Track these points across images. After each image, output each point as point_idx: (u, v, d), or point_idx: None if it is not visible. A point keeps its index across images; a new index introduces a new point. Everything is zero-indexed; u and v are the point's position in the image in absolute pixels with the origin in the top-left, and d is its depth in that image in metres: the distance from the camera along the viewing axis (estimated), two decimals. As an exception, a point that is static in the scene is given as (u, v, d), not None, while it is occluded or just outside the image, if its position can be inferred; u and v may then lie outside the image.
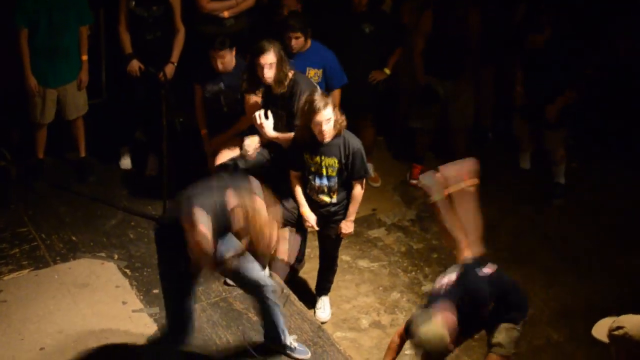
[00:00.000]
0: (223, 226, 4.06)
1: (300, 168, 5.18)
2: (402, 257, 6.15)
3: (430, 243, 6.29)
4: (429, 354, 4.03)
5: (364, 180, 5.22)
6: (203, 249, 3.92)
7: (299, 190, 5.20)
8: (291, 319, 5.11)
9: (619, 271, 6.00)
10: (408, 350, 5.17)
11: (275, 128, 5.33)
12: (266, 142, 5.40)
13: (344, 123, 5.03)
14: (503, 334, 4.33)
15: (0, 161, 6.39)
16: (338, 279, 5.67)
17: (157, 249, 4.35)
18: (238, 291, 5.11)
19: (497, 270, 4.29)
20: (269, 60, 5.26)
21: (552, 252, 6.20)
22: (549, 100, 6.49)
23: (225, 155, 5.41)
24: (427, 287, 5.80)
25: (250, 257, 4.51)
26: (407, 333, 4.28)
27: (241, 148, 5.11)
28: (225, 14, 6.41)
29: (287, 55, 5.42)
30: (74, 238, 5.87)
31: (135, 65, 6.35)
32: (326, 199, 5.15)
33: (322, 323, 5.36)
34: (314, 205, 5.20)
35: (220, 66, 5.78)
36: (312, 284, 5.60)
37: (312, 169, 5.10)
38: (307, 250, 5.82)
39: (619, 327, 3.34)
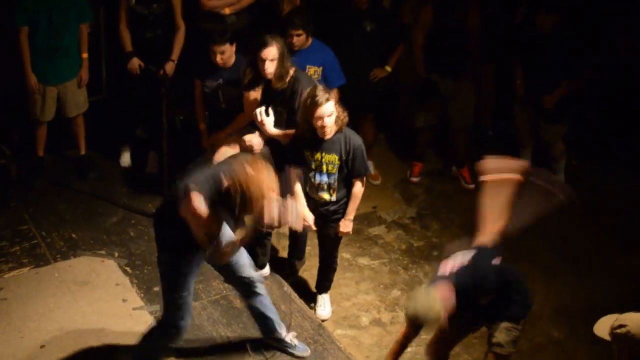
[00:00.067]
0: (221, 205, 4.01)
1: (301, 165, 5.17)
2: (402, 254, 6.15)
3: (430, 241, 6.29)
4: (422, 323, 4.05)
5: (364, 178, 5.21)
6: (206, 227, 3.93)
7: (298, 189, 5.19)
8: (292, 316, 5.12)
9: (619, 271, 6.00)
10: (408, 348, 5.18)
11: (275, 125, 5.33)
12: (266, 140, 5.40)
13: (346, 119, 5.03)
14: (503, 334, 4.33)
15: (0, 159, 6.39)
16: (338, 277, 5.67)
17: (155, 232, 4.34)
18: (239, 289, 5.12)
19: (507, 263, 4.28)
20: (270, 54, 5.25)
21: (552, 252, 6.20)
22: (548, 94, 6.50)
23: (225, 153, 5.40)
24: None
25: (244, 253, 4.53)
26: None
27: (240, 145, 5.11)
28: (227, 10, 6.40)
29: (288, 52, 5.42)
30: (74, 236, 5.87)
31: (135, 63, 6.35)
32: (326, 196, 5.14)
33: (323, 321, 5.36)
34: (314, 204, 5.19)
35: (220, 61, 5.77)
36: (313, 281, 5.60)
37: (313, 166, 5.09)
38: (308, 248, 5.82)
39: (621, 326, 3.34)
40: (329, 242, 5.35)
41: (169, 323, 4.42)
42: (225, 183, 3.93)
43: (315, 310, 5.47)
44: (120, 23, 6.32)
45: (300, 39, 5.81)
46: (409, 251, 6.19)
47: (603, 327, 3.46)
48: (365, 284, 5.82)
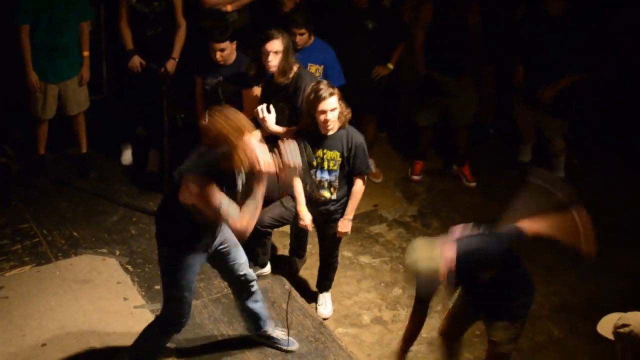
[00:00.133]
0: (218, 176, 4.00)
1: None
2: (403, 253, 6.12)
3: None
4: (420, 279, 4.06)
5: (365, 177, 5.21)
6: (211, 203, 3.92)
7: (298, 187, 5.19)
8: (293, 315, 5.12)
9: (619, 270, 6.00)
10: (410, 347, 5.19)
11: (277, 122, 5.33)
12: (267, 137, 5.40)
13: (349, 115, 5.02)
14: (501, 333, 4.33)
15: (1, 157, 6.39)
16: (339, 275, 5.67)
17: (156, 228, 4.34)
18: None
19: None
20: (275, 47, 5.25)
21: (552, 251, 6.19)
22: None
23: None
24: (428, 284, 5.81)
25: (242, 252, 4.53)
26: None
27: None
28: (228, 7, 6.39)
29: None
30: (75, 234, 5.87)
31: (136, 61, 6.35)
32: (326, 194, 5.13)
33: (324, 319, 5.36)
34: (313, 204, 5.18)
35: (220, 58, 5.77)
36: (314, 280, 5.60)
37: (314, 163, 5.08)
38: (309, 247, 5.82)
39: (624, 325, 3.34)
40: (329, 242, 5.34)
41: (168, 320, 4.43)
42: (206, 143, 3.92)
43: (316, 308, 5.47)
44: (121, 21, 6.32)
45: (303, 38, 5.82)
46: (410, 249, 6.19)
47: (606, 326, 3.46)
48: (367, 282, 5.82)
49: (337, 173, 5.08)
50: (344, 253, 5.97)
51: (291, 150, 4.10)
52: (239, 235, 4.14)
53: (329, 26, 6.27)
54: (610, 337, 3.41)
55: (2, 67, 6.38)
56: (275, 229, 5.47)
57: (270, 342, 4.89)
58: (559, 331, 5.46)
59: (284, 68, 5.31)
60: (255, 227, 5.23)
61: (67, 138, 6.74)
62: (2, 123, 6.58)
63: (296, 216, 5.17)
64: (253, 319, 4.80)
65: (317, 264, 5.53)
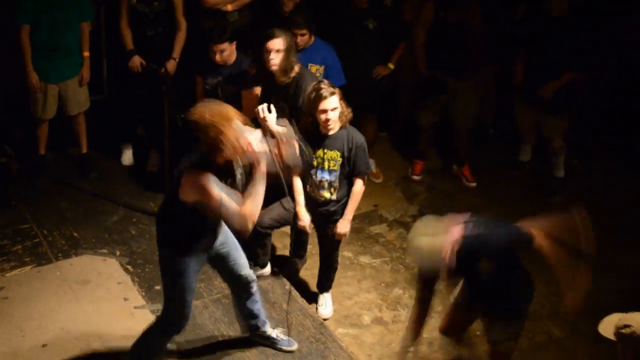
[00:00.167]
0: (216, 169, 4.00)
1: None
2: (403, 253, 6.14)
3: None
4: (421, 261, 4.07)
5: (365, 178, 5.21)
6: (211, 196, 3.90)
7: (297, 188, 5.18)
8: (293, 315, 5.12)
9: (619, 270, 5.99)
10: (411, 347, 5.19)
11: (277, 122, 5.32)
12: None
13: (350, 115, 5.03)
14: (500, 331, 4.34)
15: (1, 157, 6.39)
16: (340, 275, 5.67)
17: (157, 228, 4.34)
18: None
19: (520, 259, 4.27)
20: (276, 45, 5.25)
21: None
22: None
23: None
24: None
25: (242, 254, 4.53)
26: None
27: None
28: (229, 7, 6.38)
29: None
30: (75, 234, 5.87)
31: (136, 61, 6.34)
32: (326, 194, 5.13)
33: (324, 320, 5.36)
34: (313, 205, 5.18)
35: (219, 59, 5.78)
36: (314, 280, 5.60)
37: (314, 163, 5.08)
38: (309, 247, 5.82)
39: (626, 326, 3.34)
40: (329, 242, 5.33)
41: (169, 321, 4.43)
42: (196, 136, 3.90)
43: (316, 309, 5.47)
44: (121, 21, 6.32)
45: (304, 39, 5.82)
46: (411, 249, 6.19)
47: (607, 326, 3.46)
48: (367, 283, 5.82)
49: (338, 173, 5.08)
50: (345, 253, 5.97)
51: (288, 130, 4.12)
52: (244, 223, 4.02)
53: (329, 26, 6.27)
54: (612, 337, 3.42)
55: (2, 67, 6.37)
56: (274, 230, 5.46)
57: (270, 343, 4.89)
58: (559, 331, 5.46)
59: (285, 67, 5.31)
60: (255, 228, 5.26)
61: (67, 138, 6.74)
62: (2, 123, 6.58)
63: (295, 217, 5.17)
64: (252, 320, 4.80)
65: (318, 264, 5.53)
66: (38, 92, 6.21)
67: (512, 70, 6.83)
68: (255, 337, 4.89)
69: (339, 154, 5.03)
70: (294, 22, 5.79)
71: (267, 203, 4.93)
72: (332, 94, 4.88)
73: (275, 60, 5.30)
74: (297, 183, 5.18)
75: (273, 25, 5.50)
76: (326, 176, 5.09)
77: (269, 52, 5.28)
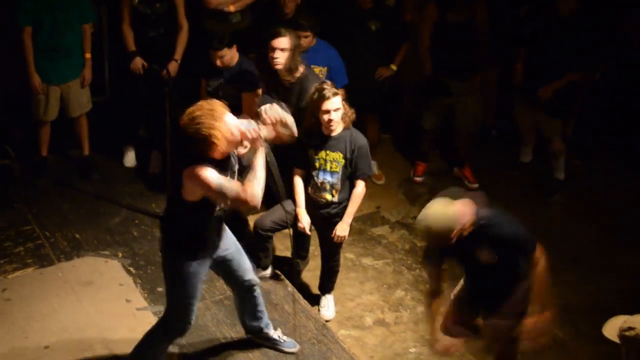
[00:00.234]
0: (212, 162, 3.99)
1: (304, 166, 5.17)
2: (406, 254, 6.14)
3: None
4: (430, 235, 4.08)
5: (367, 180, 5.20)
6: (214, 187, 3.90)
7: (298, 190, 5.18)
8: (295, 317, 5.11)
9: (619, 270, 6.00)
10: (412, 348, 5.20)
11: None
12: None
13: (353, 116, 5.03)
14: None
15: (4, 159, 6.39)
16: (342, 277, 5.67)
17: (160, 230, 4.34)
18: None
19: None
20: (281, 44, 5.25)
21: (553, 251, 6.17)
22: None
23: None
24: (431, 285, 5.81)
25: (246, 258, 4.53)
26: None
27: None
28: (231, 8, 6.36)
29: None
30: (77, 236, 5.87)
31: (138, 62, 6.34)
32: (328, 197, 5.13)
33: (327, 321, 5.36)
34: (314, 207, 5.18)
35: (219, 64, 5.78)
36: (316, 282, 5.59)
37: (316, 165, 5.08)
38: (312, 248, 5.82)
39: (630, 328, 3.33)
40: (330, 245, 5.32)
41: (172, 325, 4.43)
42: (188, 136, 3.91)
43: (319, 310, 5.46)
44: (123, 22, 6.32)
45: (307, 40, 5.82)
46: (413, 251, 6.18)
47: (612, 328, 3.46)
48: (369, 284, 5.82)
49: (340, 175, 5.08)
50: (347, 255, 5.97)
51: (272, 109, 4.10)
52: (248, 202, 3.98)
53: (329, 26, 6.25)
54: (616, 340, 3.41)
55: (2, 67, 6.37)
56: (276, 233, 5.45)
57: (272, 344, 4.89)
58: (563, 333, 5.46)
59: (290, 67, 5.31)
60: (257, 231, 5.27)
61: (69, 140, 6.74)
62: (2, 123, 6.57)
63: (295, 218, 5.17)
64: (256, 322, 4.80)
65: (320, 266, 5.53)
66: (40, 93, 6.21)
67: (512, 69, 6.83)
68: (258, 339, 4.89)
69: (341, 155, 5.03)
70: (299, 24, 5.78)
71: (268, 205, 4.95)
72: (335, 94, 4.89)
73: (280, 59, 5.29)
74: (298, 184, 5.19)
75: (275, 27, 5.49)
76: (328, 178, 5.09)
77: (273, 50, 5.28)
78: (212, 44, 5.71)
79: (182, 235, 4.18)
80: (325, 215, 5.19)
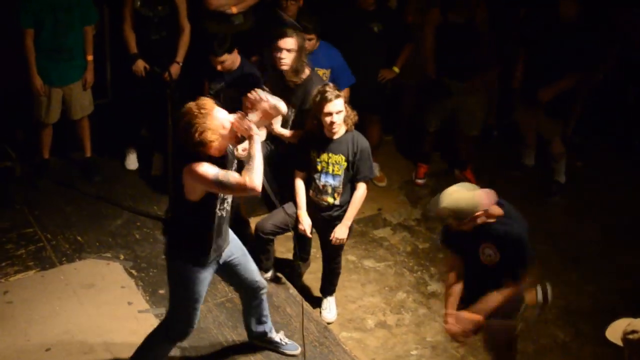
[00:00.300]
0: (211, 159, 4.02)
1: (306, 168, 5.17)
2: (407, 256, 6.14)
3: (436, 243, 6.28)
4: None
5: (368, 183, 5.20)
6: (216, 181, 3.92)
7: (300, 192, 5.18)
8: (297, 319, 5.11)
9: (619, 270, 6.01)
10: (414, 351, 5.20)
11: (282, 124, 5.32)
12: (271, 139, 5.41)
13: (355, 118, 5.03)
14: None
15: (6, 161, 6.40)
16: (344, 279, 5.67)
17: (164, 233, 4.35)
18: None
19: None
20: (288, 45, 5.24)
21: (554, 252, 6.20)
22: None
23: None
24: (433, 287, 5.80)
25: (251, 260, 4.53)
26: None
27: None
28: (233, 9, 6.35)
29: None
30: (79, 238, 5.87)
31: (140, 65, 6.34)
32: (329, 199, 5.13)
33: (328, 323, 5.36)
34: (316, 209, 5.18)
35: (220, 69, 5.77)
36: (318, 284, 5.59)
37: (318, 167, 5.08)
38: (313, 251, 5.82)
39: (634, 331, 3.32)
40: (332, 247, 5.31)
41: (174, 329, 4.43)
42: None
43: (320, 313, 5.46)
44: (125, 25, 6.32)
45: (311, 43, 5.81)
46: (415, 253, 6.19)
47: (615, 331, 3.44)
48: (371, 287, 5.82)
49: (342, 178, 5.07)
50: (348, 257, 5.97)
51: (260, 95, 4.13)
52: (247, 191, 3.98)
53: (329, 26, 6.23)
54: (619, 343, 3.40)
55: (3, 68, 6.38)
56: (277, 236, 5.45)
57: (274, 347, 4.89)
58: (564, 334, 5.46)
59: (296, 68, 5.30)
60: (258, 234, 5.26)
61: (71, 142, 6.74)
62: (3, 124, 6.57)
63: (296, 220, 5.17)
64: (260, 326, 4.79)
65: (321, 268, 5.53)
66: (42, 95, 6.22)
67: (512, 70, 6.82)
68: (260, 342, 4.89)
69: (343, 157, 5.03)
70: (304, 27, 5.76)
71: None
72: (337, 96, 4.89)
73: (287, 59, 5.28)
74: (299, 186, 5.18)
75: (276, 29, 5.49)
76: (330, 181, 5.09)
77: (280, 50, 5.27)
78: (213, 49, 5.71)
79: (184, 236, 4.19)
80: (326, 218, 5.19)
